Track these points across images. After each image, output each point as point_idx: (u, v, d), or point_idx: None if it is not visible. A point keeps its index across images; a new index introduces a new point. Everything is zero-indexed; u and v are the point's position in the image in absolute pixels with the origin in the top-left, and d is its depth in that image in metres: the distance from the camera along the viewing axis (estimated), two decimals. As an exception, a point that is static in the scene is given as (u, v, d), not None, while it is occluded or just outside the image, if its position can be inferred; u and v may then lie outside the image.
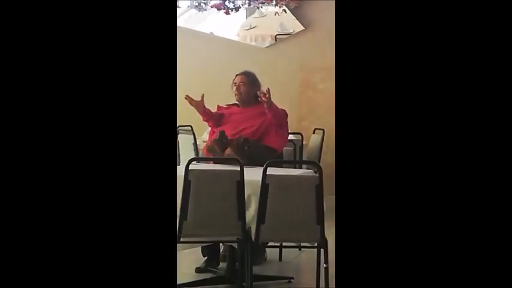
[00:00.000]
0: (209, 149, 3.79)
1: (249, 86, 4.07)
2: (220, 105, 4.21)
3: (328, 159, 5.08)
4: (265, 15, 6.67)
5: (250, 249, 3.13)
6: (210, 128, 4.16)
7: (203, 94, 4.04)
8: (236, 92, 4.08)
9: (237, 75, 4.14)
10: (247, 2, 6.36)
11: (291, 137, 4.40)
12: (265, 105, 3.80)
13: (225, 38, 6.51)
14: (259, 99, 3.88)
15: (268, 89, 3.83)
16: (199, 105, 3.98)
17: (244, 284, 3.26)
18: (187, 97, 3.95)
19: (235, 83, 4.10)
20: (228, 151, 3.66)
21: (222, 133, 3.75)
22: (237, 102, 4.13)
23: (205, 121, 4.11)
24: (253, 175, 3.13)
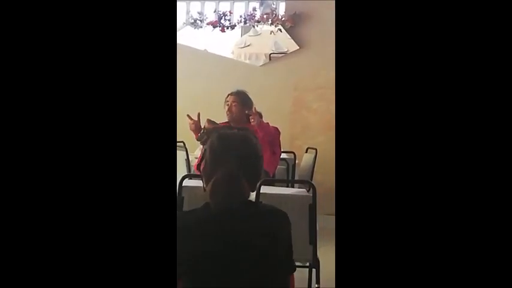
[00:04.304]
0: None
1: (240, 106, 4.10)
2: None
3: (320, 178, 5.07)
4: (260, 34, 6.67)
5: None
6: (202, 146, 4.15)
7: (199, 113, 4.02)
8: (228, 112, 4.10)
9: (229, 94, 4.16)
10: (243, 20, 6.38)
11: (283, 155, 4.40)
12: (254, 124, 3.84)
13: (219, 56, 6.52)
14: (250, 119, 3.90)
15: (255, 108, 3.89)
16: (196, 125, 3.97)
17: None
18: (188, 116, 3.94)
19: (228, 102, 4.12)
20: None
21: None
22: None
23: (198, 140, 4.10)
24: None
